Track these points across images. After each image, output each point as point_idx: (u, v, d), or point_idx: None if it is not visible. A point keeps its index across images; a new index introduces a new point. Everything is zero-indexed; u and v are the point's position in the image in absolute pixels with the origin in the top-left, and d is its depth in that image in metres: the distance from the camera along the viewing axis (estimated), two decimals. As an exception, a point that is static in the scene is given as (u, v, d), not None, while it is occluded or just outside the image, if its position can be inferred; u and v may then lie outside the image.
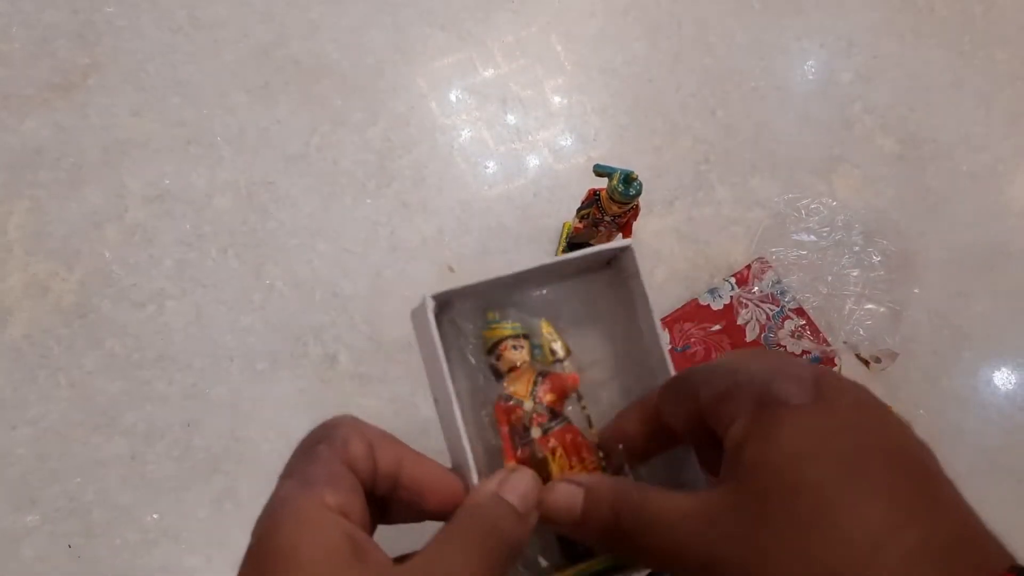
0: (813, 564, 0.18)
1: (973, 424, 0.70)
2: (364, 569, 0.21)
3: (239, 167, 0.71)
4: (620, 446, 0.28)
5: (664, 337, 0.30)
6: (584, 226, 0.65)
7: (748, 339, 0.68)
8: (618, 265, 0.31)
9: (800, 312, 0.70)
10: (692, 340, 0.68)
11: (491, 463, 0.29)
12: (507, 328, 0.29)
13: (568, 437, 0.28)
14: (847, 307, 0.71)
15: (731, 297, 0.70)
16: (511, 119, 0.76)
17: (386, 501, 0.26)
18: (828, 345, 0.69)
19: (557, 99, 0.77)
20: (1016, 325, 0.74)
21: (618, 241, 0.30)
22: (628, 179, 0.57)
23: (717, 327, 0.69)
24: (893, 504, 0.18)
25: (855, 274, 0.72)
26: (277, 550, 0.21)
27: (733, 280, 0.70)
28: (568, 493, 0.25)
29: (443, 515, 0.25)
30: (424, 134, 0.74)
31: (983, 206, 0.78)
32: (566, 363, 0.29)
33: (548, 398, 0.29)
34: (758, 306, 0.70)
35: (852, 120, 0.79)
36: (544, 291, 0.31)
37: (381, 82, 0.76)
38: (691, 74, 0.79)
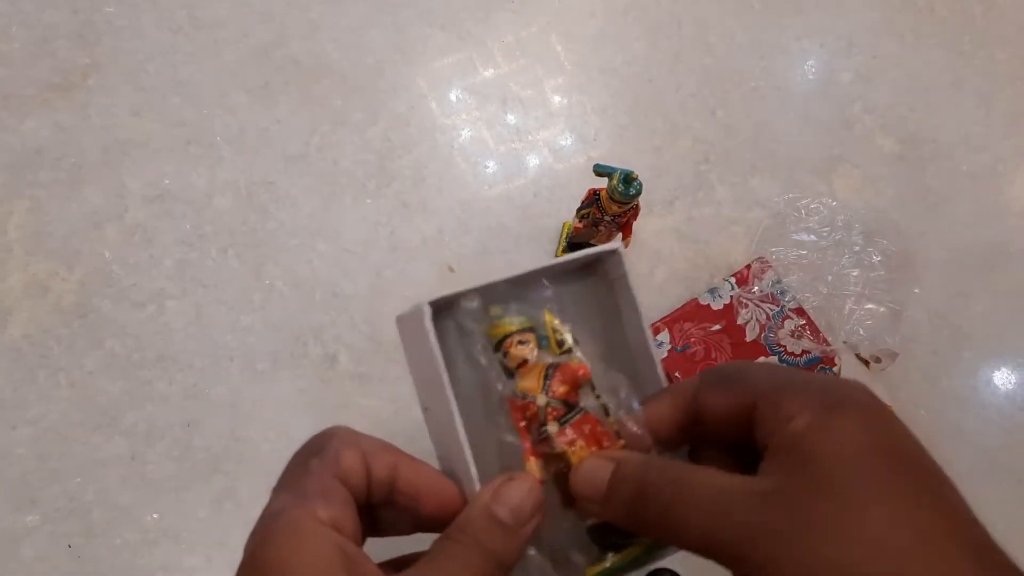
0: (853, 569, 0.18)
1: (973, 424, 0.70)
2: None
3: (239, 167, 0.71)
4: (642, 430, 0.27)
5: (652, 339, 0.30)
6: (584, 226, 0.65)
7: (748, 339, 0.68)
8: (602, 269, 0.31)
9: (800, 312, 0.70)
10: (692, 340, 0.68)
11: (509, 466, 0.28)
12: (511, 323, 0.28)
13: (587, 428, 0.27)
14: (847, 307, 0.71)
15: (731, 297, 0.70)
16: (511, 119, 0.76)
17: (379, 511, 0.26)
18: (828, 345, 0.69)
19: (557, 99, 0.77)
20: (1016, 325, 0.74)
21: (605, 245, 0.30)
22: (628, 179, 0.57)
23: (717, 327, 0.69)
24: (925, 512, 0.19)
25: (855, 274, 0.72)
26: (269, 563, 0.21)
27: (733, 280, 0.70)
28: (594, 467, 0.25)
29: (438, 521, 0.25)
30: (424, 134, 0.74)
31: (983, 206, 0.78)
32: (576, 353, 0.29)
33: (561, 390, 0.28)
34: (758, 306, 0.70)
35: (852, 120, 0.79)
36: (534, 294, 0.31)
37: (381, 82, 0.76)
38: (691, 74, 0.79)
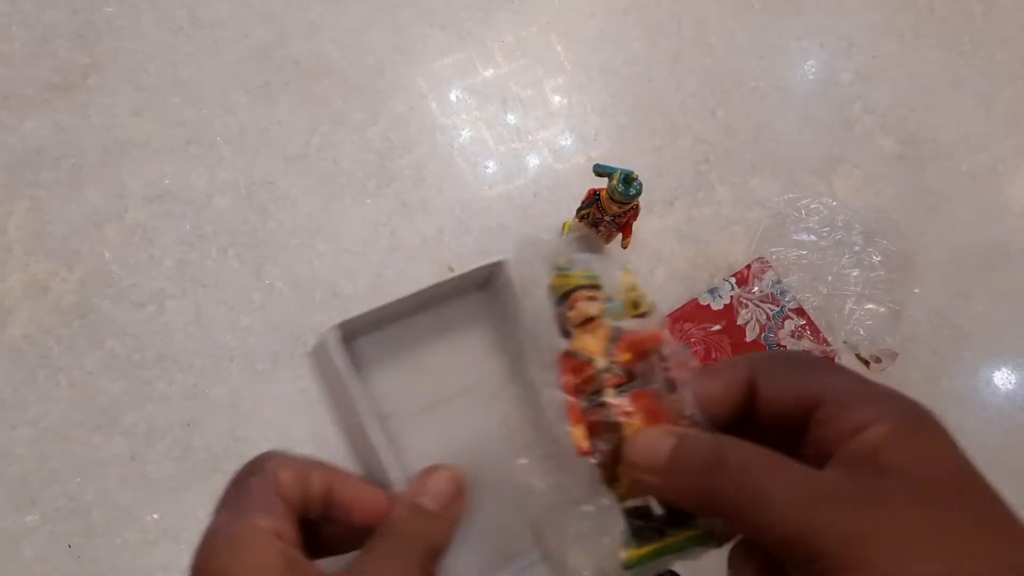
0: None
1: (973, 424, 0.70)
2: None
3: (239, 167, 0.71)
4: (693, 408, 0.25)
5: (537, 346, 0.27)
6: (584, 226, 0.65)
7: (748, 339, 0.68)
8: (496, 282, 0.30)
9: (800, 312, 0.70)
10: (692, 340, 0.68)
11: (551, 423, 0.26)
12: (580, 276, 0.26)
13: (643, 402, 0.25)
14: (847, 307, 0.71)
15: (731, 297, 0.70)
16: (511, 119, 0.76)
17: (320, 527, 0.26)
18: (828, 345, 0.69)
19: (557, 99, 0.77)
20: (1016, 325, 0.74)
21: (491, 258, 0.29)
22: (628, 179, 0.57)
23: (717, 327, 0.69)
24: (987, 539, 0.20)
25: (855, 274, 0.72)
26: (212, 574, 0.21)
27: (733, 280, 0.70)
28: (655, 435, 0.24)
29: (371, 531, 0.26)
30: (424, 134, 0.74)
31: (983, 206, 0.78)
32: (650, 319, 0.26)
33: (624, 357, 0.25)
34: (758, 306, 0.70)
35: (852, 120, 0.79)
36: (429, 312, 0.31)
37: (381, 82, 0.76)
38: (691, 74, 0.79)
